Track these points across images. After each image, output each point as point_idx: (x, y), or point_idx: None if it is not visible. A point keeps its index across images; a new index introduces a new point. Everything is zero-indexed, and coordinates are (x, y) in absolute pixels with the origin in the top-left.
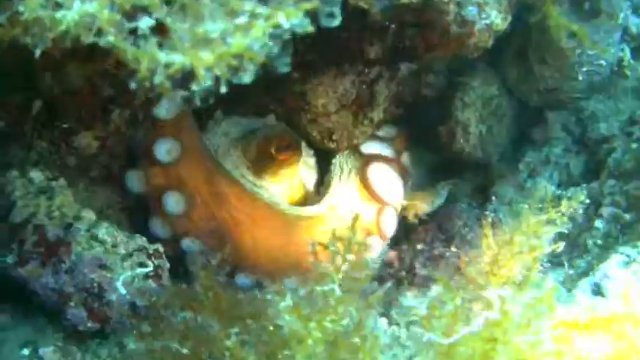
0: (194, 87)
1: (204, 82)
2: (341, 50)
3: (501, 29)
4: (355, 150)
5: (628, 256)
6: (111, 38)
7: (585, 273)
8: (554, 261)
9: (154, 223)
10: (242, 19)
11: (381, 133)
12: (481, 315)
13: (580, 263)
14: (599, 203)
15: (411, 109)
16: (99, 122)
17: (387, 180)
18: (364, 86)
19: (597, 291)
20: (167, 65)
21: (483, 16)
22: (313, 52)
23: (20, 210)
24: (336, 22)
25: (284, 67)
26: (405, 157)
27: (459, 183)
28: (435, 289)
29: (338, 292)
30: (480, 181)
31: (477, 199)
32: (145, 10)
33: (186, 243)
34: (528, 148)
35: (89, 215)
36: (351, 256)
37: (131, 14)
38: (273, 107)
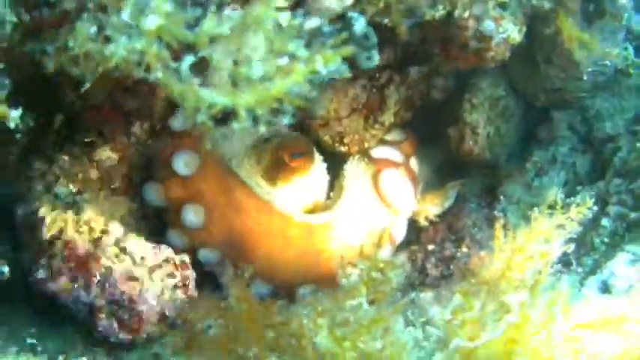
0: (234, 125)
1: (244, 121)
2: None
3: (518, 42)
4: (365, 154)
5: (634, 254)
6: (159, 74)
7: (593, 271)
8: (562, 259)
9: (172, 234)
10: (284, 61)
11: (389, 137)
12: (503, 319)
13: (587, 261)
14: (605, 202)
15: (421, 111)
16: (120, 135)
17: (399, 187)
18: (375, 90)
19: (605, 289)
20: (210, 106)
21: (500, 30)
22: None
23: (49, 226)
24: (375, 62)
25: (320, 109)
26: (413, 161)
27: (467, 183)
28: (457, 298)
29: (366, 306)
30: (488, 181)
31: (485, 198)
32: (191, 47)
33: (203, 253)
34: (535, 148)
35: (117, 228)
36: (377, 274)
37: (178, 51)
38: None
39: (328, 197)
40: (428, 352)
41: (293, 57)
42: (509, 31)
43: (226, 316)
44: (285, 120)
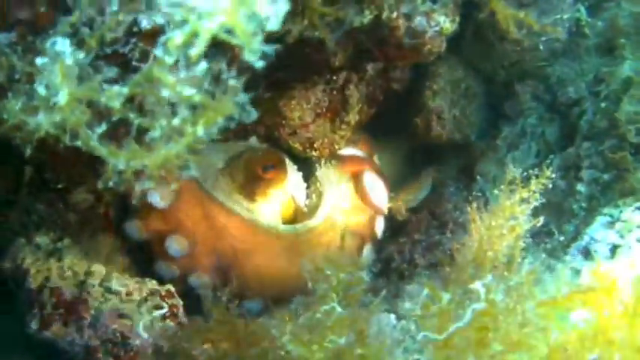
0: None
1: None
2: (306, 64)
3: (451, 31)
4: (333, 156)
5: (611, 216)
6: (79, 142)
7: (574, 238)
8: (544, 230)
9: (160, 266)
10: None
11: None
12: (469, 307)
13: (569, 228)
14: (578, 167)
15: (384, 104)
16: (89, 176)
17: (377, 187)
18: (335, 92)
19: (587, 255)
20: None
21: (432, 24)
22: (279, 70)
23: (34, 276)
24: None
25: None
26: (376, 158)
27: (442, 168)
28: (424, 291)
29: (339, 309)
30: (463, 162)
31: (463, 180)
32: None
33: (193, 279)
34: (503, 123)
35: (99, 269)
36: (344, 275)
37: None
38: (253, 127)
39: (307, 204)
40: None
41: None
42: (442, 22)
43: (211, 338)
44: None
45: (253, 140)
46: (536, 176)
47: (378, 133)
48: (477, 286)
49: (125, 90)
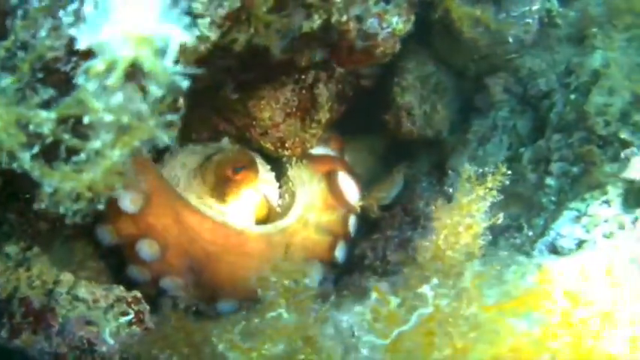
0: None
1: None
2: (272, 65)
3: (405, 32)
4: (304, 156)
5: (578, 210)
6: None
7: (542, 233)
8: (514, 225)
9: (132, 270)
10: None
11: None
12: (415, 312)
13: (538, 222)
14: (548, 160)
15: (354, 102)
16: None
17: (349, 185)
18: (304, 91)
19: (553, 250)
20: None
21: (384, 25)
22: (247, 71)
23: (3, 286)
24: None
25: None
26: (347, 157)
27: (414, 164)
28: (373, 295)
29: (285, 315)
30: (434, 157)
31: (435, 175)
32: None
33: (165, 282)
34: (474, 117)
35: (67, 277)
36: (290, 282)
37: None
38: (224, 128)
39: (279, 204)
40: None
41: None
42: (394, 23)
43: (170, 344)
44: None
45: (225, 141)
46: (493, 173)
47: (350, 131)
48: (424, 290)
49: (53, 115)
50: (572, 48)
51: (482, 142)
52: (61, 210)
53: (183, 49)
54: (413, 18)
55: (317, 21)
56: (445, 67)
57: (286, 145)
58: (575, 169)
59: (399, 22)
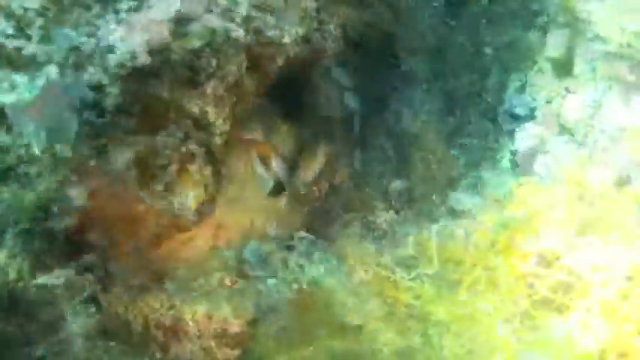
0: None
1: None
2: None
3: (307, 32)
4: (237, 138)
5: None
6: None
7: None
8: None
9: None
10: None
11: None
12: None
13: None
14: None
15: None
16: None
17: (281, 164)
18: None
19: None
20: None
21: (284, 33)
22: None
23: None
24: None
25: None
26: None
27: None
28: None
29: None
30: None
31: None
32: None
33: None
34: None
35: None
36: None
37: None
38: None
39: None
40: None
41: None
42: (294, 31)
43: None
44: None
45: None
46: None
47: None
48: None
49: None
50: None
51: None
52: None
53: None
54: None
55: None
56: None
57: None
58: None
59: (298, 27)
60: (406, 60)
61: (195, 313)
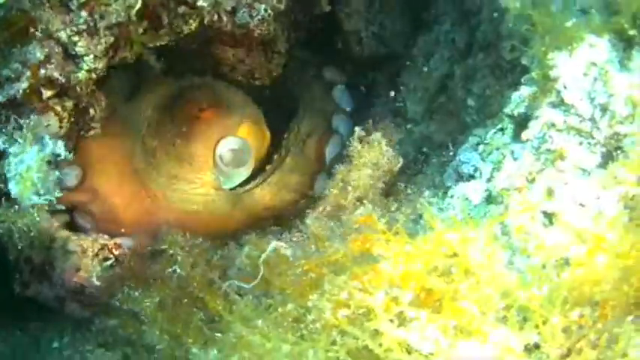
0: None
1: None
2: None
3: (281, 8)
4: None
5: (479, 137)
6: None
7: (453, 157)
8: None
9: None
10: None
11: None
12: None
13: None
14: (472, 79)
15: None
16: None
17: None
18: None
19: (458, 178)
20: None
21: (254, 13)
22: None
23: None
24: None
25: None
26: None
27: (377, 77)
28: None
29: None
30: (389, 74)
31: (390, 90)
32: None
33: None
34: (421, 32)
35: (61, 234)
36: None
37: None
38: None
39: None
40: None
41: None
42: (262, 11)
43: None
44: None
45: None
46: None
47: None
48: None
49: None
50: None
51: (427, 57)
52: None
53: None
54: None
55: (193, 24)
56: None
57: (256, 75)
58: (488, 91)
59: (267, 9)
60: None
61: None
